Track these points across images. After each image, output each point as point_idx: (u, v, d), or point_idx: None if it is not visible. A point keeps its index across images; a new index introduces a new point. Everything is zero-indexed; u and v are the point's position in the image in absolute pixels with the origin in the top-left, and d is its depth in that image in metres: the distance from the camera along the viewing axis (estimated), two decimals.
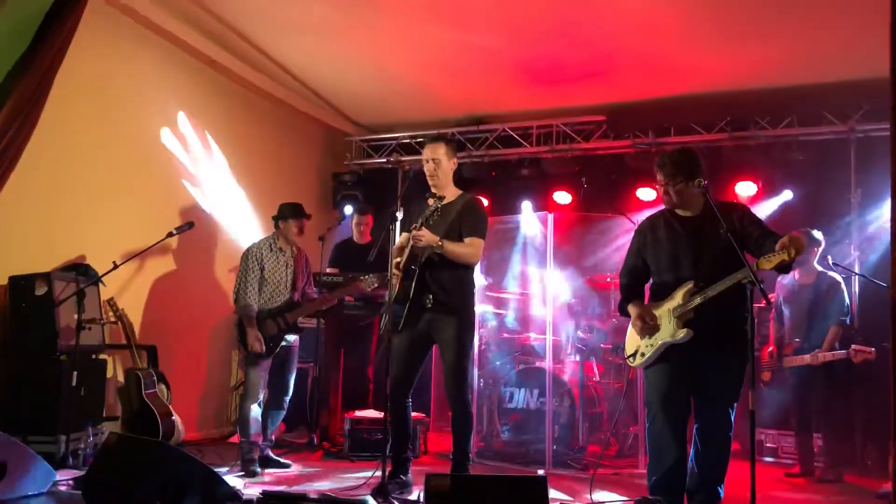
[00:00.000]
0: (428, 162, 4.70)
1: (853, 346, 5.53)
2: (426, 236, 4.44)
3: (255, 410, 5.30)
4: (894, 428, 3.67)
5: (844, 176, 6.93)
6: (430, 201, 4.68)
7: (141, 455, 3.56)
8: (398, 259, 4.62)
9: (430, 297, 4.55)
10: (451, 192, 4.78)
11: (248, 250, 5.47)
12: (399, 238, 4.82)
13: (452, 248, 4.53)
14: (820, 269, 5.82)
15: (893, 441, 3.65)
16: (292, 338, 5.50)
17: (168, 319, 6.30)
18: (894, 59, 3.99)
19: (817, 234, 5.80)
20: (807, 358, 5.70)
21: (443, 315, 4.58)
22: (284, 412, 5.59)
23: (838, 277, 5.78)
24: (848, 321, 5.82)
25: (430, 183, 4.76)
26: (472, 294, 4.78)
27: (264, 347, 5.23)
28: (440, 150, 4.72)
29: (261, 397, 5.34)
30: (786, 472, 5.89)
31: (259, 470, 5.20)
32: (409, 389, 4.71)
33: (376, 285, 5.58)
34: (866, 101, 6.73)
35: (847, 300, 5.78)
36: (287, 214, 5.56)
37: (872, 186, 6.52)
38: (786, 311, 6.00)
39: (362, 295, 6.46)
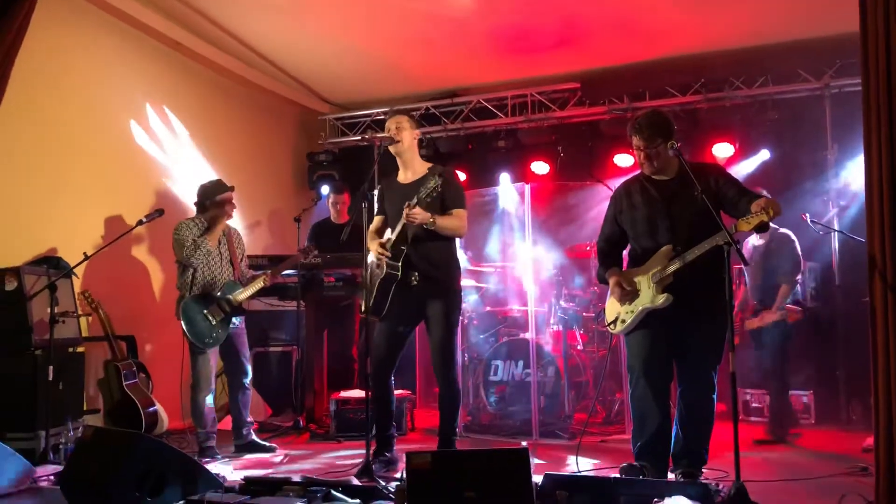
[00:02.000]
0: (390, 130, 4.65)
1: (786, 306, 5.56)
2: (420, 215, 4.38)
3: (209, 400, 5.23)
4: (875, 383, 3.68)
5: (821, 133, 6.93)
6: (400, 177, 4.65)
7: (118, 447, 3.50)
8: (381, 240, 4.55)
9: (416, 274, 4.50)
10: (420, 167, 4.74)
11: (178, 225, 5.29)
12: (374, 222, 4.79)
13: (444, 222, 4.50)
14: (772, 226, 5.76)
15: (875, 395, 3.67)
16: (238, 320, 5.40)
17: (145, 309, 6.22)
18: (863, 12, 3.96)
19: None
20: (755, 321, 5.71)
21: (431, 291, 4.56)
22: (250, 391, 5.52)
23: (791, 234, 5.71)
24: (800, 279, 5.78)
25: (395, 155, 4.69)
26: (459, 269, 4.77)
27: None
28: (403, 122, 4.67)
29: (213, 387, 5.29)
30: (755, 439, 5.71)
31: (217, 451, 5.18)
32: (392, 369, 4.69)
33: (313, 256, 5.57)
34: (840, 56, 6.70)
35: (799, 257, 5.70)
36: (216, 193, 5.36)
37: (848, 142, 6.50)
38: (745, 273, 5.98)
39: (342, 275, 6.43)
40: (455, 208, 4.58)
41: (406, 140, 4.66)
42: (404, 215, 4.37)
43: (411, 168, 4.72)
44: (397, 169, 4.79)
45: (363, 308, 4.64)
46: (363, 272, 4.69)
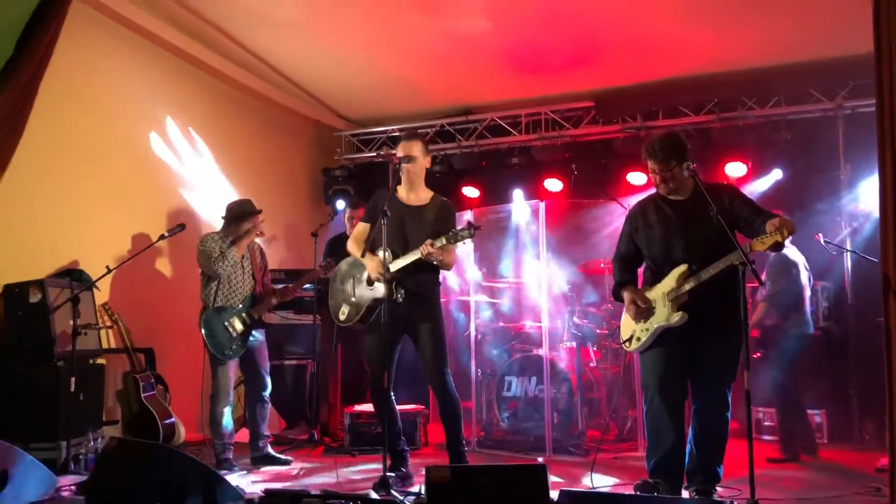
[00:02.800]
0: (403, 158, 4.70)
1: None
2: (437, 256, 4.48)
3: (227, 412, 5.30)
4: (890, 402, 3.72)
5: (833, 153, 6.96)
6: (402, 195, 4.77)
7: (141, 458, 3.57)
8: (380, 258, 4.60)
9: (403, 291, 4.58)
10: (424, 193, 4.84)
11: (205, 236, 5.43)
12: (357, 227, 4.89)
13: (447, 259, 4.64)
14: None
15: (889, 415, 3.70)
16: (259, 333, 5.49)
17: (164, 322, 6.29)
18: (877, 34, 4.02)
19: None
20: None
21: (416, 308, 4.64)
22: (269, 405, 5.59)
23: (789, 254, 5.68)
24: (776, 298, 5.74)
25: (403, 178, 4.76)
26: (440, 283, 4.88)
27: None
28: (416, 148, 4.73)
29: (231, 398, 5.35)
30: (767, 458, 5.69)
31: (234, 463, 5.24)
32: (390, 382, 4.70)
33: (333, 271, 5.61)
34: (852, 77, 6.74)
35: (787, 278, 5.67)
36: (246, 215, 5.49)
37: (861, 162, 6.53)
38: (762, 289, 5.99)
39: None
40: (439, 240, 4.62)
41: (417, 167, 4.74)
42: (423, 252, 4.43)
43: (415, 192, 4.80)
44: (398, 184, 4.84)
45: (342, 318, 4.77)
46: (335, 276, 4.89)
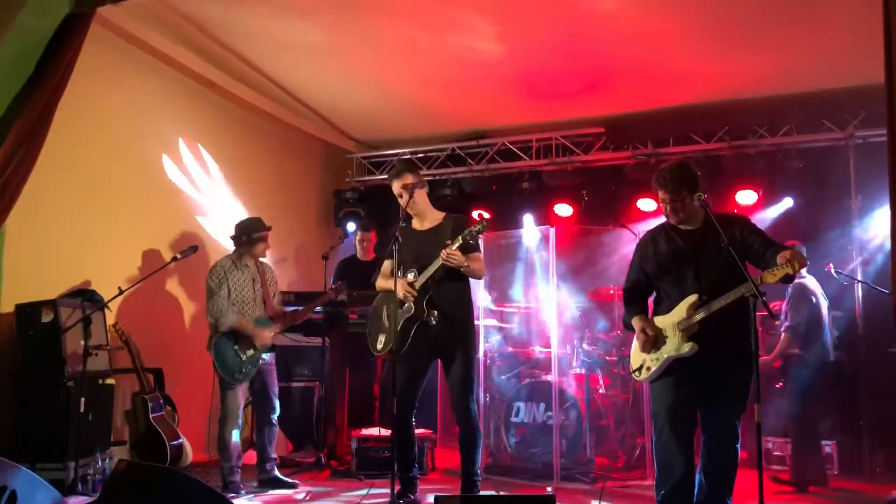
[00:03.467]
0: (401, 196, 4.72)
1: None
2: (457, 257, 4.46)
3: (236, 435, 5.30)
4: None
5: (844, 182, 6.94)
6: (416, 225, 4.80)
7: (150, 481, 3.55)
8: (409, 279, 4.62)
9: (436, 313, 4.57)
10: (434, 215, 4.86)
11: (211, 269, 5.45)
12: (384, 266, 4.88)
13: (474, 265, 4.60)
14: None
15: None
16: (268, 356, 5.49)
17: (174, 343, 6.32)
18: (889, 65, 4.03)
19: (802, 249, 5.75)
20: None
21: (449, 331, 4.62)
22: (276, 428, 5.59)
23: (808, 283, 5.71)
24: (799, 327, 5.72)
25: (411, 212, 4.79)
26: (473, 307, 4.86)
27: (269, 338, 5.31)
28: (408, 180, 4.73)
29: (240, 421, 5.35)
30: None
31: (241, 486, 5.24)
32: (414, 408, 4.73)
33: (344, 295, 5.63)
34: (864, 106, 6.74)
35: (807, 306, 5.68)
36: (253, 232, 5.52)
37: (872, 192, 6.52)
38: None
39: (366, 312, 6.48)
40: (473, 252, 4.65)
41: (419, 196, 4.75)
42: (443, 255, 4.42)
43: (426, 217, 4.83)
44: (410, 217, 4.88)
45: (379, 347, 4.74)
46: (372, 312, 4.85)
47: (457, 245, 4.42)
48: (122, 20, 5.79)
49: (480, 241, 4.75)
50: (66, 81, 5.07)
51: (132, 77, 6.22)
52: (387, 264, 4.84)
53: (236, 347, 5.24)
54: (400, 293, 4.65)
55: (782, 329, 5.81)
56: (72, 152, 5.59)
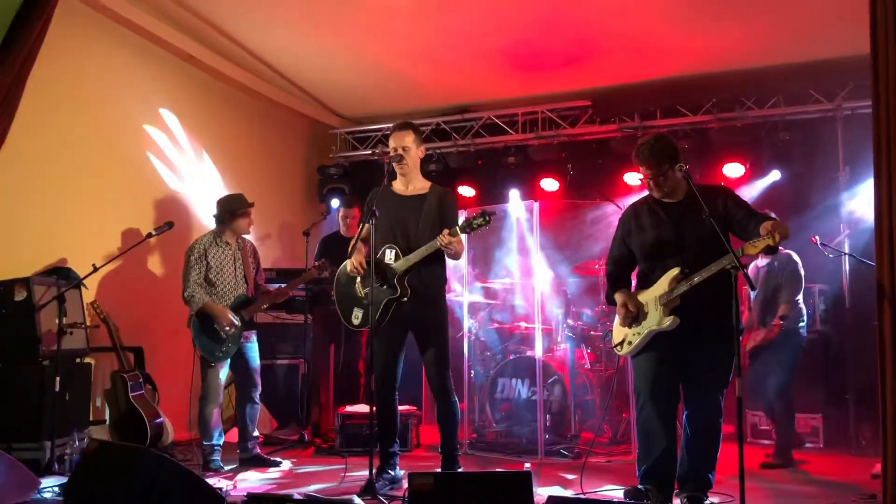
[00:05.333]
0: (396, 150, 4.63)
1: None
2: (458, 245, 4.41)
3: (216, 413, 5.25)
4: (883, 408, 3.66)
5: (832, 154, 6.89)
6: (398, 188, 4.70)
7: (122, 461, 3.51)
8: (363, 258, 4.55)
9: (408, 291, 4.51)
10: (420, 183, 4.75)
11: (190, 247, 5.37)
12: (362, 230, 4.69)
13: (458, 248, 4.51)
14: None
15: (882, 421, 3.64)
16: (249, 334, 5.43)
17: (153, 320, 6.24)
18: (874, 35, 3.95)
19: None
20: (750, 342, 5.69)
21: (421, 308, 4.56)
22: (259, 406, 5.54)
23: (793, 255, 5.67)
24: (800, 300, 5.70)
25: (398, 172, 4.70)
26: (446, 282, 4.79)
27: (236, 321, 5.20)
28: (408, 138, 4.64)
29: (220, 399, 5.30)
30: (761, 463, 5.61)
31: (222, 465, 5.20)
32: (396, 384, 4.68)
33: (327, 272, 5.55)
34: (852, 77, 6.67)
35: (800, 278, 5.62)
36: (236, 208, 5.44)
37: (860, 164, 6.46)
38: (751, 295, 5.92)
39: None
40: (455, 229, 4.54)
41: (412, 158, 4.66)
42: (443, 241, 4.31)
43: (412, 183, 4.72)
44: (392, 179, 4.78)
45: (356, 322, 4.68)
46: (343, 282, 4.77)
47: (457, 231, 4.32)
48: None
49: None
50: (35, 55, 4.93)
51: (108, 51, 6.09)
52: (365, 230, 4.63)
53: (216, 326, 5.17)
54: (349, 266, 4.61)
55: (783, 302, 5.69)
56: (45, 128, 5.48)
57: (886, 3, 3.79)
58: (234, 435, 5.64)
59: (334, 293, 4.87)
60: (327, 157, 8.83)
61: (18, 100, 4.87)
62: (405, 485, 4.44)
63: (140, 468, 3.45)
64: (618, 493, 4.38)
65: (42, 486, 4.19)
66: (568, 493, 4.48)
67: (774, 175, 7.10)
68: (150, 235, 5.37)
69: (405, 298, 4.48)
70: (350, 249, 4.67)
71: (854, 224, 6.54)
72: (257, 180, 7.46)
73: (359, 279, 4.68)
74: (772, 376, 5.66)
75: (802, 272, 5.69)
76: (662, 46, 6.67)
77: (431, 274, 4.59)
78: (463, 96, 8.18)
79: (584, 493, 4.37)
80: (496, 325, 6.71)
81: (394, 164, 4.65)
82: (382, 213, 4.54)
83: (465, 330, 6.34)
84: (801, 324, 5.70)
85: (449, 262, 4.81)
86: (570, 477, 4.94)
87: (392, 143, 4.67)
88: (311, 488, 4.69)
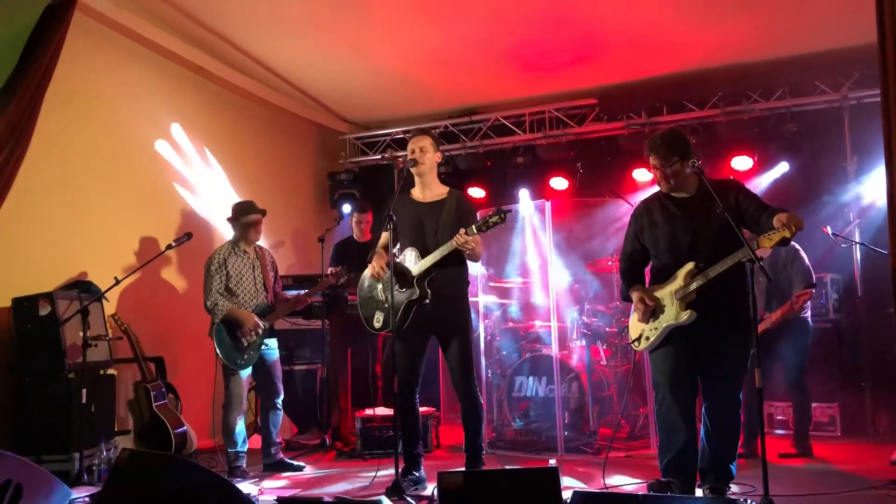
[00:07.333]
0: (413, 152, 4.70)
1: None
2: (476, 244, 4.46)
3: (241, 420, 5.31)
4: None
5: (840, 144, 6.93)
6: (417, 195, 4.77)
7: (153, 470, 3.56)
8: (386, 260, 4.61)
9: (430, 293, 4.56)
10: (439, 188, 4.80)
11: (209, 257, 5.43)
12: (382, 238, 4.79)
13: (478, 249, 4.57)
14: None
15: None
16: (271, 341, 5.50)
17: (173, 330, 6.32)
18: (881, 25, 4.00)
19: None
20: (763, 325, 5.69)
21: (444, 311, 4.60)
22: (281, 412, 5.60)
23: (796, 246, 5.61)
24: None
25: (416, 176, 4.76)
26: (468, 284, 4.83)
27: (262, 325, 5.28)
28: (425, 142, 4.72)
29: (244, 406, 5.36)
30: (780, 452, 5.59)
31: (248, 473, 5.26)
32: (417, 386, 4.73)
33: (345, 279, 5.61)
34: (858, 67, 6.71)
35: (808, 269, 5.53)
36: (239, 215, 5.51)
37: (868, 153, 6.50)
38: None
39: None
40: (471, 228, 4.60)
41: (428, 162, 4.72)
42: (459, 241, 4.36)
43: (429, 188, 4.78)
44: (411, 186, 4.85)
45: (377, 326, 4.73)
46: (365, 287, 4.82)
47: (472, 233, 4.37)
48: (105, 8, 5.73)
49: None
50: (52, 72, 5.06)
51: (121, 66, 6.16)
52: (384, 237, 4.75)
53: (238, 333, 5.24)
54: (370, 271, 4.68)
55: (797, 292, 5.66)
56: (63, 144, 5.56)
57: None
58: (255, 441, 5.71)
59: (357, 298, 4.94)
60: (337, 162, 8.92)
61: (35, 120, 4.99)
62: (429, 485, 4.53)
63: (173, 476, 3.51)
64: (640, 486, 4.43)
65: (73, 496, 4.25)
66: (592, 488, 4.53)
67: (783, 167, 7.12)
68: (169, 247, 5.44)
69: (426, 301, 4.53)
70: (369, 256, 4.74)
71: (864, 213, 6.57)
72: (269, 188, 7.53)
73: (380, 283, 4.74)
74: (785, 363, 5.64)
75: (808, 264, 5.68)
76: (667, 42, 6.71)
77: (453, 276, 4.63)
78: (470, 98, 8.23)
79: (606, 488, 4.42)
80: (511, 324, 6.76)
81: (410, 168, 4.71)
82: (401, 220, 4.62)
83: (481, 330, 6.39)
84: (805, 314, 5.68)
85: (469, 265, 4.86)
86: (592, 472, 4.99)
87: (410, 146, 4.75)
88: (338, 489, 4.76)
